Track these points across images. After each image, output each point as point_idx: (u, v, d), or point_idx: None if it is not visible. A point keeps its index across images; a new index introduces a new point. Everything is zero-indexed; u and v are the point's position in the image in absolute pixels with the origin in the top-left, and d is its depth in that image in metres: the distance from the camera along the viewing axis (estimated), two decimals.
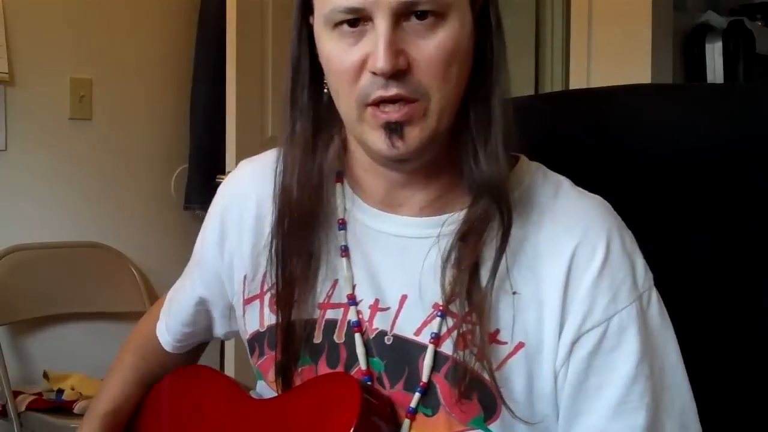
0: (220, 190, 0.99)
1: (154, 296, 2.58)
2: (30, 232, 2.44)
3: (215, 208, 0.98)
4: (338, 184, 0.89)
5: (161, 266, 2.59)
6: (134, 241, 2.64)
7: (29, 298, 2.41)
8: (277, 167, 0.87)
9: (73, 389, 2.25)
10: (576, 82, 2.20)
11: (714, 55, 2.43)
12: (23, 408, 2.23)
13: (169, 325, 1.07)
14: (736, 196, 0.95)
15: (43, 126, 2.49)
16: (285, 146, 0.86)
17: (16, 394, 2.26)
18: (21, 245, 2.41)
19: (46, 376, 2.34)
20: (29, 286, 2.41)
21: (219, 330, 1.04)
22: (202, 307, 1.02)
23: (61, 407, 2.23)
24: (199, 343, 1.11)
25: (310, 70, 0.84)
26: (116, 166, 2.64)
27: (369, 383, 0.83)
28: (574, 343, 0.79)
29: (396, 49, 0.74)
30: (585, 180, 0.88)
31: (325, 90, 0.83)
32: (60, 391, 2.25)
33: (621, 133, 1.03)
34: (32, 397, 2.26)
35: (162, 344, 1.08)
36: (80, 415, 2.15)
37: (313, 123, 0.85)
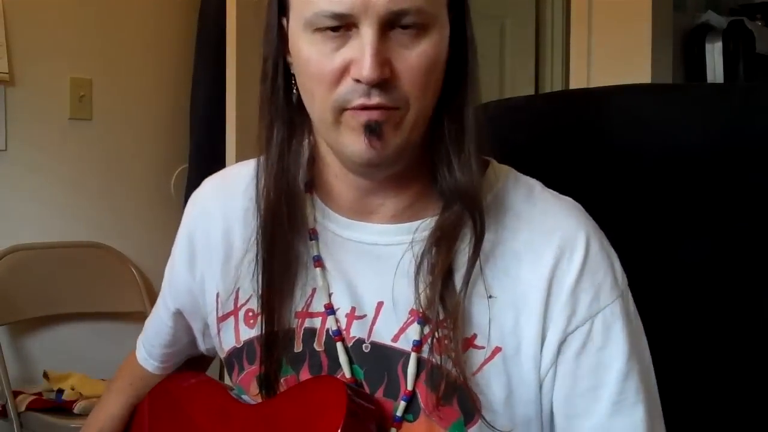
0: (186, 211, 0.98)
1: (154, 296, 2.57)
2: (30, 232, 2.44)
3: (182, 230, 0.98)
4: (307, 195, 0.88)
5: (161, 266, 2.56)
6: (134, 241, 2.64)
7: (29, 298, 2.41)
8: (257, 173, 0.86)
9: (73, 389, 2.25)
10: (576, 82, 2.19)
11: (714, 55, 2.43)
12: (23, 408, 2.23)
13: (150, 352, 1.08)
14: (736, 196, 0.95)
15: (43, 126, 2.49)
16: (264, 150, 0.85)
17: (16, 394, 2.26)
18: (21, 245, 2.41)
19: (46, 376, 2.34)
20: (29, 286, 2.41)
21: (201, 345, 1.04)
22: (182, 323, 1.02)
23: (61, 407, 2.22)
24: (190, 357, 1.10)
25: (284, 71, 0.83)
26: (116, 166, 2.64)
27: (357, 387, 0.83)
28: (561, 344, 0.79)
29: (383, 59, 0.74)
30: (584, 180, 0.88)
31: (294, 91, 0.83)
32: (60, 391, 2.25)
33: (621, 133, 1.03)
34: (32, 397, 2.26)
35: (149, 371, 1.09)
36: (80, 415, 2.15)
37: (288, 125, 0.84)
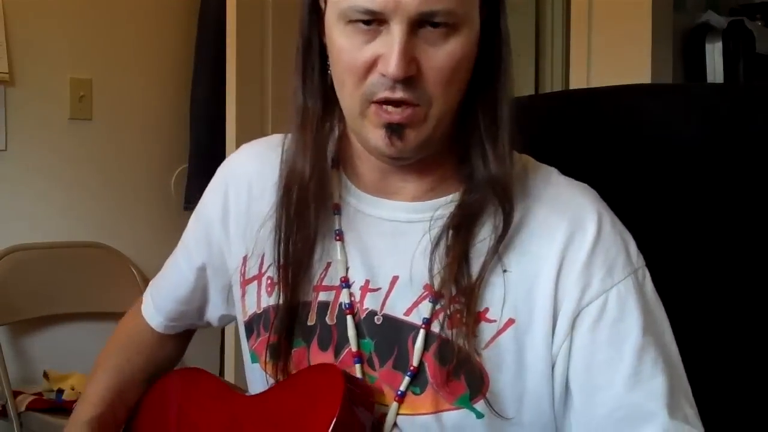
0: (221, 169, 1.00)
1: None
2: (30, 232, 2.44)
3: (217, 185, 0.99)
4: (334, 170, 0.90)
5: (161, 266, 2.58)
6: (134, 241, 2.64)
7: (29, 298, 2.41)
8: (284, 145, 0.88)
9: (73, 389, 2.25)
10: (576, 82, 2.19)
11: (714, 55, 2.43)
12: (23, 408, 2.23)
13: (159, 306, 1.07)
14: (736, 196, 0.95)
15: (43, 126, 2.49)
16: (296, 124, 0.87)
17: (16, 394, 2.26)
18: (21, 245, 2.41)
19: (46, 376, 2.34)
20: (29, 286, 2.41)
21: (213, 312, 1.04)
22: (202, 282, 1.02)
23: (61, 407, 2.22)
24: (188, 329, 1.11)
25: (320, 51, 0.85)
26: (116, 166, 2.64)
27: (356, 375, 0.84)
28: (575, 318, 0.80)
29: (409, 56, 0.76)
30: (585, 179, 0.89)
31: (329, 71, 0.84)
32: (60, 391, 2.25)
33: (621, 133, 1.03)
34: (32, 397, 2.26)
35: (153, 327, 1.08)
36: None
37: (323, 102, 0.86)
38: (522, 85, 2.83)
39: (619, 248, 0.82)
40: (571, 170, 0.89)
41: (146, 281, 2.57)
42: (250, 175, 0.96)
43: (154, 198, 2.73)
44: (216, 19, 2.66)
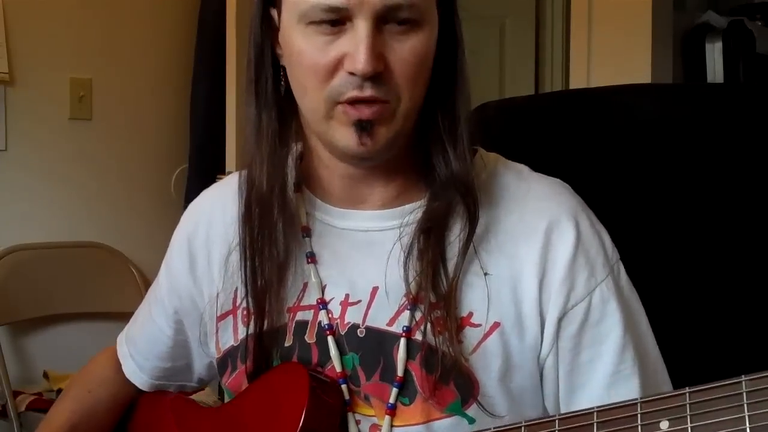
0: (184, 217, 0.99)
1: None
2: (30, 232, 2.45)
3: (179, 238, 0.98)
4: (297, 194, 0.89)
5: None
6: (134, 241, 2.64)
7: (29, 298, 2.41)
8: (241, 174, 0.87)
9: None
10: (576, 82, 2.19)
11: (714, 55, 2.43)
12: (23, 408, 2.23)
13: (142, 365, 1.04)
14: (736, 195, 0.96)
15: (43, 126, 2.49)
16: (252, 140, 0.85)
17: (16, 394, 2.26)
18: (21, 245, 2.42)
19: (46, 376, 2.34)
20: (29, 286, 2.41)
21: (199, 362, 1.01)
22: (181, 337, 1.00)
23: None
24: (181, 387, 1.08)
25: (272, 62, 0.84)
26: (116, 166, 2.64)
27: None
28: (561, 320, 0.81)
29: (377, 52, 0.75)
30: (584, 179, 0.89)
31: (282, 83, 0.84)
32: (60, 391, 2.25)
33: (621, 133, 1.03)
34: (32, 397, 2.26)
35: (138, 386, 1.05)
36: None
37: (277, 117, 0.85)
38: (522, 85, 2.84)
39: (597, 247, 0.83)
40: (570, 170, 0.89)
41: (146, 281, 2.59)
42: (211, 215, 0.95)
43: (154, 198, 2.73)
44: (216, 19, 2.66)
